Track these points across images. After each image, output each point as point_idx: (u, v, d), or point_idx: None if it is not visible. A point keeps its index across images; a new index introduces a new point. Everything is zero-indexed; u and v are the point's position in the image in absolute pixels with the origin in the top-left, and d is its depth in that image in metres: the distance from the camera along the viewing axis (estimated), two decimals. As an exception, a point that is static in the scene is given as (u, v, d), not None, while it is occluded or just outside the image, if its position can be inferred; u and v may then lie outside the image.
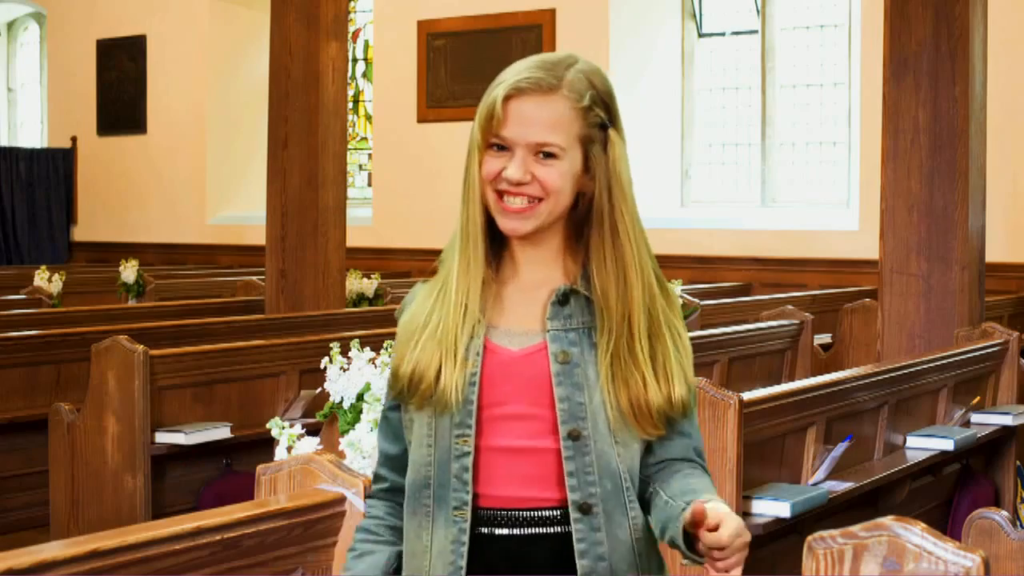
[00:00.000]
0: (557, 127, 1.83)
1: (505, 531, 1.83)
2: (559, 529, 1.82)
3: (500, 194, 1.84)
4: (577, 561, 1.81)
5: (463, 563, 1.82)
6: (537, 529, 1.83)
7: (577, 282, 1.88)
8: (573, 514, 1.81)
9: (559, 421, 1.82)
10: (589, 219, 1.87)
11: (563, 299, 1.87)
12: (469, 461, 1.83)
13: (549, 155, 1.83)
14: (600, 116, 1.86)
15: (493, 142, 1.84)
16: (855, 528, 2.24)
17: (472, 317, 1.85)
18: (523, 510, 1.83)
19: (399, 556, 1.93)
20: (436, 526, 1.85)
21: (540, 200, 1.83)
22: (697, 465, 1.91)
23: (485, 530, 1.83)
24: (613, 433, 1.83)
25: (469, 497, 1.83)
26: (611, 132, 1.87)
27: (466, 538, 1.82)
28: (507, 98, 1.82)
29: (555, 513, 1.82)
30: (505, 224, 1.85)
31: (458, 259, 1.87)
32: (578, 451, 1.82)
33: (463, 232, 1.87)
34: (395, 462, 1.96)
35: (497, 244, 1.90)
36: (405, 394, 1.88)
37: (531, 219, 1.84)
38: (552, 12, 11.08)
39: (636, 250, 1.87)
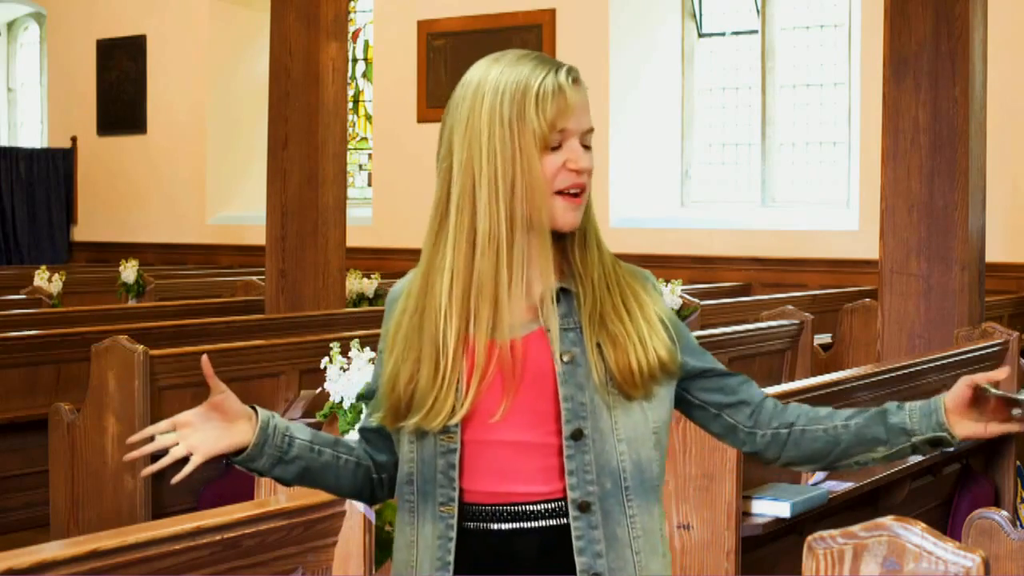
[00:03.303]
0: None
1: (494, 526, 1.83)
2: (544, 523, 1.83)
3: (559, 191, 1.83)
4: (576, 558, 1.81)
5: (451, 558, 1.83)
6: (522, 524, 1.83)
7: (565, 278, 1.88)
8: (572, 512, 1.82)
9: (563, 420, 1.82)
10: None
11: (559, 296, 1.86)
12: (455, 458, 1.83)
13: (586, 144, 1.86)
14: None
15: (555, 138, 1.82)
16: (855, 528, 2.24)
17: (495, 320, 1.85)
18: (506, 505, 1.83)
19: (356, 466, 1.97)
20: (422, 521, 1.86)
21: (583, 189, 1.85)
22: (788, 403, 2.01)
23: (471, 525, 1.84)
24: (615, 431, 1.83)
25: (456, 493, 1.83)
26: None
27: (453, 533, 1.83)
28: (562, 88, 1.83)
29: (540, 507, 1.83)
30: (569, 219, 1.84)
31: (500, 262, 1.82)
32: (578, 450, 1.82)
33: (519, 233, 1.82)
34: (371, 433, 1.99)
35: None
36: (401, 412, 1.86)
37: (582, 208, 1.86)
38: (552, 12, 11.07)
39: (597, 224, 1.90)
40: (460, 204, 1.85)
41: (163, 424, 1.87)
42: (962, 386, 1.87)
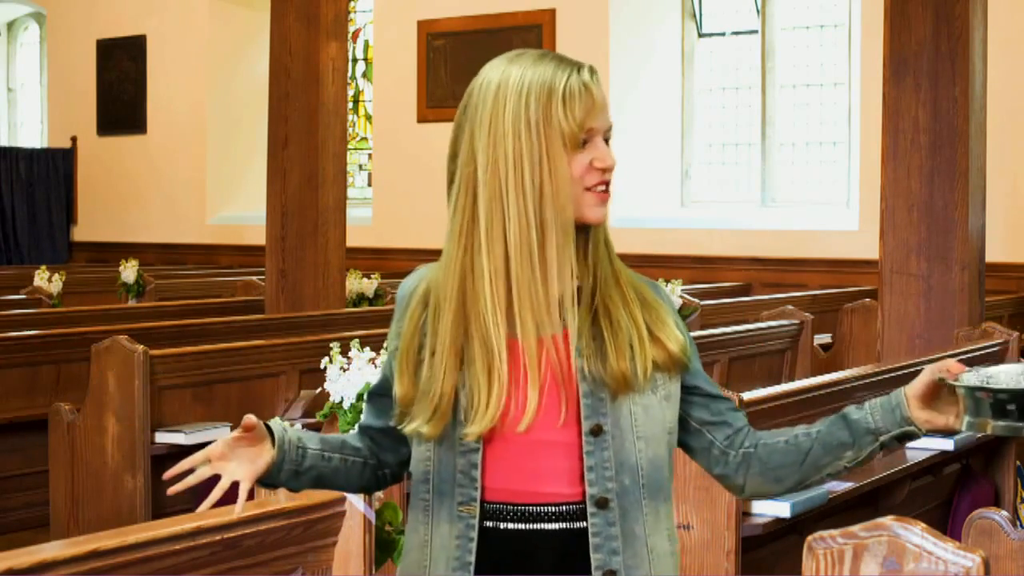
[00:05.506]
0: None
1: (512, 525, 1.81)
2: (565, 525, 1.81)
3: (588, 188, 1.83)
4: (591, 555, 1.80)
5: (472, 559, 1.80)
6: (542, 524, 1.81)
7: (582, 274, 1.86)
8: (590, 508, 1.80)
9: (582, 416, 1.81)
10: None
11: (579, 293, 1.84)
12: (478, 457, 1.81)
13: (608, 139, 1.87)
14: None
15: (582, 137, 1.81)
16: (855, 528, 2.24)
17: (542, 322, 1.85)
18: (528, 505, 1.81)
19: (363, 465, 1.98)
20: (437, 521, 1.83)
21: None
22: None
23: (490, 524, 1.81)
24: (635, 428, 1.82)
25: (477, 493, 1.81)
26: None
27: (474, 534, 1.80)
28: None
29: (562, 509, 1.81)
30: (598, 214, 1.83)
31: (535, 265, 1.81)
32: (598, 446, 1.80)
33: (549, 235, 1.81)
34: (377, 433, 1.97)
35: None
36: (442, 414, 1.82)
37: (608, 204, 1.86)
38: (552, 12, 11.07)
39: (607, 224, 1.90)
40: (490, 210, 1.81)
41: (199, 456, 1.86)
42: (926, 377, 1.83)
